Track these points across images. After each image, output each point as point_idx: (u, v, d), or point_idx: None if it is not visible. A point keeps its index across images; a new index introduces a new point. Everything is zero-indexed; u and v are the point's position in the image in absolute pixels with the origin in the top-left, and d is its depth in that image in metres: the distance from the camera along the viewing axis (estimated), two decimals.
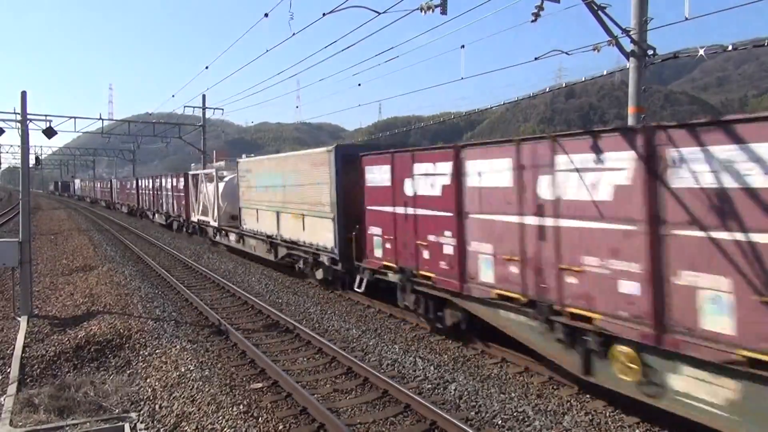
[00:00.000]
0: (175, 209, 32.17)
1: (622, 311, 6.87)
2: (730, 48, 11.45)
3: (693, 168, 6.08)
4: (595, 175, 7.20)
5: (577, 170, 7.42)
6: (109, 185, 62.87)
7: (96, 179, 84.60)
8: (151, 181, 39.99)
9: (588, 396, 7.99)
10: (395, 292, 11.85)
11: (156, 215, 38.47)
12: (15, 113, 18.63)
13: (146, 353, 10.58)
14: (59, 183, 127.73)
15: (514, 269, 8.52)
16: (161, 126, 43.39)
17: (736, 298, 5.69)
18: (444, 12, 10.84)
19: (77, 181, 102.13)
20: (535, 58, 13.59)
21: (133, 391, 8.85)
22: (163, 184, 35.21)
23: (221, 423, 7.35)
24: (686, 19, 10.60)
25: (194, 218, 27.44)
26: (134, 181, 46.14)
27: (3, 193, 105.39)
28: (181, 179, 30.44)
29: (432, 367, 9.35)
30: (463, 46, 16.53)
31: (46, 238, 30.70)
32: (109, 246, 26.81)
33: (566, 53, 12.69)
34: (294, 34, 13.96)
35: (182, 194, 30.08)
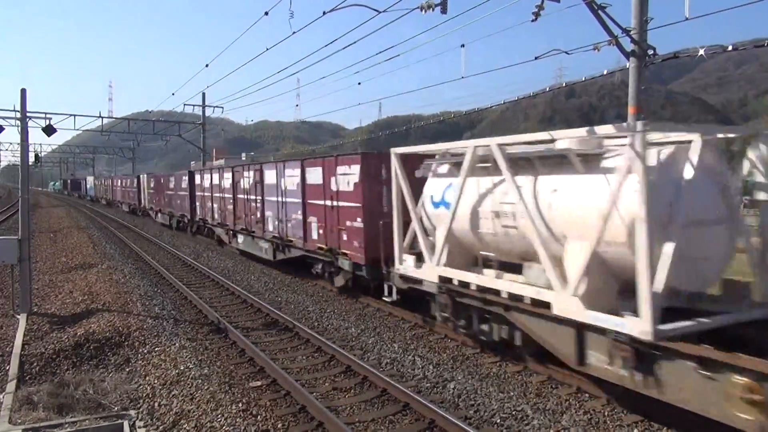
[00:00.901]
0: (313, 232, 15.23)
1: None
2: (730, 48, 11.47)
3: None
4: None
5: None
6: (135, 183, 45.50)
7: (117, 176, 65.68)
8: (230, 176, 22.13)
9: (587, 395, 7.99)
10: None
11: (239, 238, 21.39)
12: (15, 111, 18.63)
13: (145, 351, 10.59)
14: (68, 181, 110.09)
15: None
16: (161, 124, 43.52)
17: None
18: (444, 11, 10.85)
19: (90, 179, 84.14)
20: (536, 58, 13.62)
21: (132, 388, 8.86)
22: (272, 180, 17.74)
23: (220, 421, 7.35)
24: (686, 19, 10.61)
25: (407, 269, 11.18)
26: (185, 178, 29.24)
27: (2, 191, 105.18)
28: (351, 168, 13.43)
29: (431, 366, 9.35)
30: (463, 45, 16.55)
31: (46, 235, 30.70)
32: (108, 244, 26.81)
33: (566, 53, 12.71)
34: (294, 32, 13.97)
35: (348, 206, 13.49)
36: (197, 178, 27.75)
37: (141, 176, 44.22)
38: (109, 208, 59.10)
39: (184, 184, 29.35)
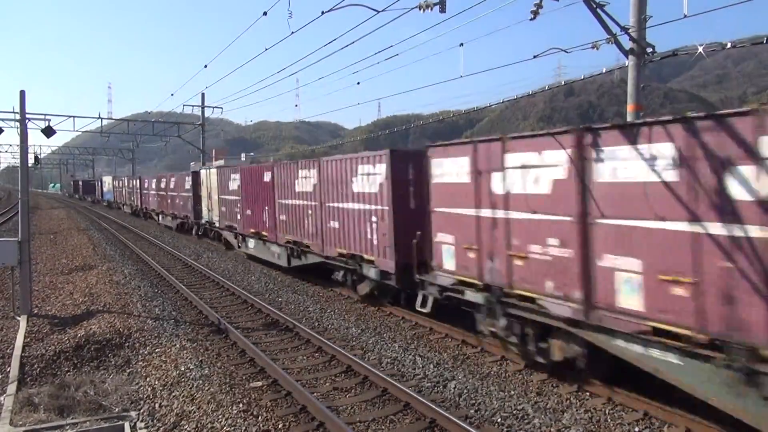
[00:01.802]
0: None
1: None
2: (729, 46, 11.47)
3: None
4: None
5: None
6: (188, 184, 28.73)
7: (155, 175, 42.37)
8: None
9: (587, 394, 7.99)
10: None
11: None
12: (14, 112, 18.64)
13: (146, 352, 10.59)
14: (79, 182, 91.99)
15: None
16: (160, 125, 43.49)
17: None
18: (443, 10, 10.85)
19: (107, 179, 65.57)
20: (534, 56, 13.62)
21: (132, 390, 8.86)
22: None
23: (221, 422, 7.35)
24: (685, 16, 10.62)
25: None
26: (374, 169, 12.74)
27: (2, 193, 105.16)
28: None
29: (431, 366, 9.35)
30: (462, 44, 16.56)
31: (46, 237, 30.69)
32: (108, 245, 26.80)
33: (565, 51, 12.70)
34: (293, 32, 13.96)
35: None
36: (437, 168, 10.82)
37: (205, 171, 26.81)
38: (137, 218, 43.87)
39: (371, 186, 12.92)
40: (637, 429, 6.97)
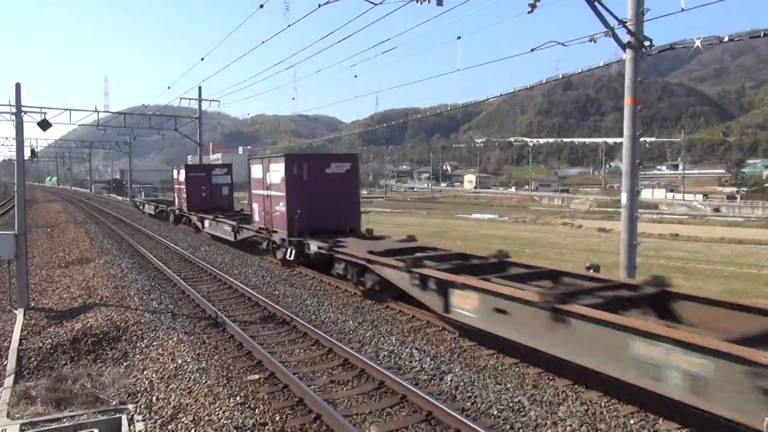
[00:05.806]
0: None
1: None
2: (726, 39, 11.46)
3: None
4: None
5: None
6: None
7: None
8: None
9: (583, 386, 8.03)
10: None
11: None
12: (9, 105, 18.53)
13: (143, 345, 10.59)
14: (190, 172, 29.94)
15: None
16: (157, 118, 43.37)
17: None
18: (440, 3, 10.82)
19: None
20: (532, 50, 13.59)
21: (130, 382, 8.87)
22: None
23: (218, 414, 7.37)
24: (682, 9, 10.60)
25: None
26: None
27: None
28: None
29: (428, 359, 9.38)
30: (459, 38, 16.52)
31: (43, 230, 30.64)
32: (105, 238, 26.76)
33: (562, 44, 12.68)
34: (289, 25, 13.92)
35: None
36: None
37: None
38: None
39: None
40: (632, 421, 7.01)
